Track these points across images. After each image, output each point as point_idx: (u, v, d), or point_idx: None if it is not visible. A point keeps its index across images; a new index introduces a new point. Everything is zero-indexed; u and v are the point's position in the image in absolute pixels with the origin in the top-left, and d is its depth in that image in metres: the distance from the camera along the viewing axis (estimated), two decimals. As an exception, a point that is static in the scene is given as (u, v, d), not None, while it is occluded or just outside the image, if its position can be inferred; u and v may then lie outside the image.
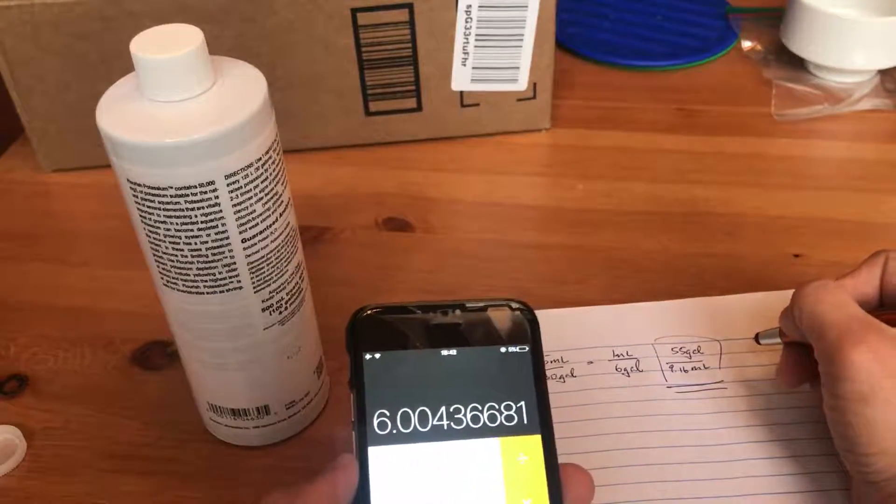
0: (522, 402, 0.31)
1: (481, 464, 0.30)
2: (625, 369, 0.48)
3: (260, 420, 0.45)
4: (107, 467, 0.46)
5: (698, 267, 0.55)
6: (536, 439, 0.31)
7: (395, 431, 0.30)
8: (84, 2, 0.58)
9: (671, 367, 0.48)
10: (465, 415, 0.31)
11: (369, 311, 0.32)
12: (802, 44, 0.71)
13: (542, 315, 0.50)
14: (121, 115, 0.36)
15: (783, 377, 0.43)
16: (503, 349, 0.32)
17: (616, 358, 0.49)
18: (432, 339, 0.32)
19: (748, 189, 0.62)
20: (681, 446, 0.44)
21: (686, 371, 0.48)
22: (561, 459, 0.31)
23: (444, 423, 0.31)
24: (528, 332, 0.33)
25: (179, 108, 0.35)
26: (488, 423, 0.31)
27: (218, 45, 0.59)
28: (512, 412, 0.31)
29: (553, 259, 0.57)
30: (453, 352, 0.32)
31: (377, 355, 0.32)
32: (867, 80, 0.72)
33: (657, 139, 0.67)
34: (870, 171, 0.63)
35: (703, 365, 0.48)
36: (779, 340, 0.44)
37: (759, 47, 0.77)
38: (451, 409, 0.31)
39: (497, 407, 0.31)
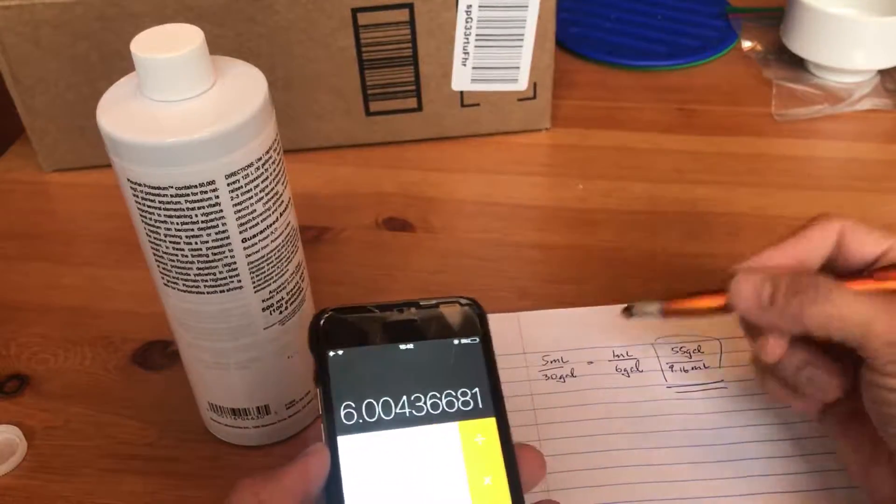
0: (477, 389, 0.34)
1: (443, 446, 0.32)
2: (625, 369, 0.48)
3: (260, 420, 0.45)
4: (107, 467, 0.46)
5: (698, 267, 0.55)
6: (491, 421, 0.33)
7: (361, 421, 0.32)
8: (84, 2, 0.58)
9: (671, 367, 0.48)
10: (425, 402, 0.33)
11: (330, 312, 0.34)
12: (802, 44, 0.71)
13: (543, 315, 0.51)
14: (121, 114, 0.36)
15: (770, 352, 0.39)
16: (456, 341, 0.34)
17: (616, 358, 0.49)
18: (390, 335, 0.34)
19: (748, 189, 0.62)
20: (681, 446, 0.44)
21: (686, 371, 0.48)
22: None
23: (407, 410, 0.33)
24: (477, 325, 0.35)
25: (180, 107, 0.36)
26: (447, 409, 0.33)
27: (218, 45, 0.59)
28: (468, 398, 0.33)
29: (553, 259, 0.57)
30: (410, 346, 0.34)
31: (340, 352, 0.34)
32: (867, 80, 0.72)
33: (657, 139, 0.67)
34: (870, 171, 0.63)
35: (704, 364, 0.48)
36: (657, 307, 0.41)
37: (759, 47, 0.77)
38: (412, 398, 0.33)
39: (454, 394, 0.33)
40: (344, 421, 0.32)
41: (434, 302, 0.35)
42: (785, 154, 0.65)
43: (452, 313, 0.35)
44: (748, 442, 0.44)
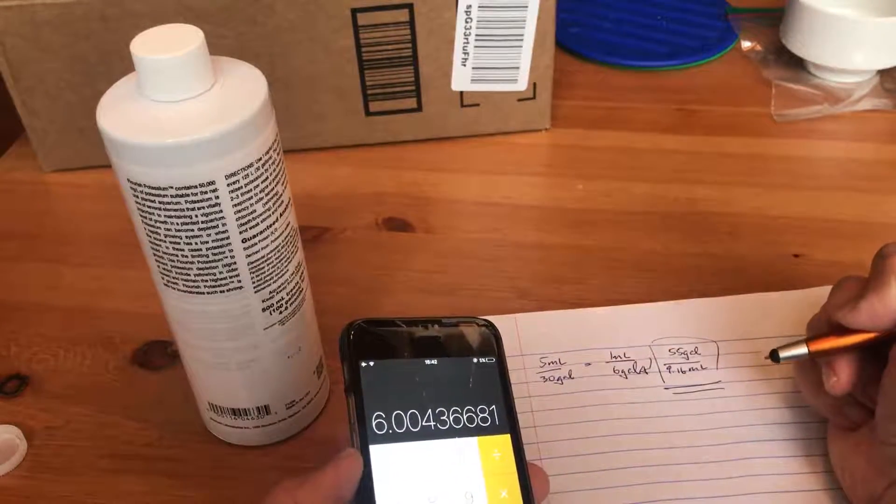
0: (493, 406, 0.35)
1: (464, 459, 0.34)
2: (622, 371, 0.48)
3: (260, 420, 0.45)
4: (107, 467, 0.46)
5: (698, 267, 0.55)
6: (507, 438, 0.35)
7: (391, 431, 0.33)
8: (84, 2, 0.58)
9: (669, 368, 0.48)
10: (448, 416, 0.34)
11: (361, 324, 0.36)
12: (802, 44, 0.71)
13: (541, 317, 0.51)
14: (121, 115, 0.36)
15: (841, 386, 0.40)
16: (475, 359, 0.36)
17: (613, 360, 0.49)
18: (416, 350, 0.36)
19: (748, 189, 0.62)
20: (679, 447, 0.44)
21: (684, 372, 0.48)
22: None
23: (432, 423, 0.34)
24: (494, 345, 0.37)
25: (179, 108, 0.36)
26: (467, 424, 0.34)
27: (218, 45, 0.59)
28: (486, 414, 0.35)
29: (553, 259, 0.57)
30: (434, 361, 0.36)
31: (371, 363, 0.35)
32: (867, 80, 0.72)
33: (657, 139, 0.67)
34: (870, 171, 0.63)
35: (701, 366, 0.48)
36: (805, 350, 0.41)
37: (758, 47, 0.77)
38: (437, 412, 0.34)
39: (473, 410, 0.35)
40: (375, 430, 0.33)
41: (454, 321, 0.37)
42: (784, 154, 0.65)
43: (471, 333, 0.37)
44: (746, 442, 0.44)
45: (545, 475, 0.35)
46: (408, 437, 0.33)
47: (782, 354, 0.41)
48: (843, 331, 0.40)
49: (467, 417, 0.34)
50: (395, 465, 0.33)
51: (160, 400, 0.49)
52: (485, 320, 0.38)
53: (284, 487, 0.32)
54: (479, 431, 0.34)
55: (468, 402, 0.35)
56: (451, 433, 0.34)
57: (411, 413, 0.34)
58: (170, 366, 0.51)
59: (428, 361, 0.35)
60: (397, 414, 0.34)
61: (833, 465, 0.42)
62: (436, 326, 0.36)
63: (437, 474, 0.33)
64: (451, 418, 0.34)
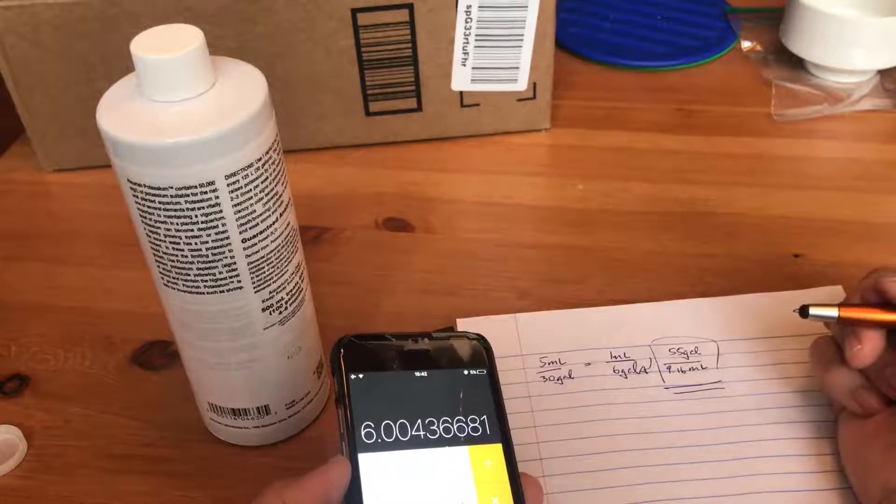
0: (485, 416, 0.36)
1: (455, 468, 0.34)
2: (622, 371, 0.48)
3: (260, 420, 0.45)
4: (107, 467, 0.46)
5: (698, 267, 0.55)
6: (498, 447, 0.35)
7: (379, 440, 0.34)
8: (84, 2, 0.58)
9: (669, 368, 0.48)
10: (438, 426, 0.35)
11: (352, 338, 0.36)
12: (802, 44, 0.71)
13: (541, 317, 0.51)
14: (121, 115, 0.36)
15: (864, 356, 0.39)
16: (465, 371, 0.37)
17: (614, 360, 0.49)
18: (406, 363, 0.36)
19: (748, 189, 0.62)
20: (679, 447, 0.44)
21: (684, 372, 0.48)
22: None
23: (422, 433, 0.34)
24: (485, 357, 0.37)
25: (179, 108, 0.36)
26: (458, 433, 0.35)
27: (218, 45, 0.59)
28: (476, 424, 0.35)
29: (553, 259, 0.57)
30: (424, 373, 0.36)
31: (361, 376, 0.35)
32: (867, 80, 0.72)
33: (657, 139, 0.67)
34: (870, 171, 0.63)
35: (701, 365, 0.48)
36: (835, 312, 0.39)
37: (758, 47, 0.77)
38: (427, 422, 0.35)
39: (464, 420, 0.35)
40: (364, 440, 0.34)
41: (445, 335, 0.38)
42: (784, 154, 0.65)
43: (461, 346, 0.37)
44: (746, 442, 0.44)
45: (538, 483, 0.36)
46: (398, 445, 0.34)
47: (812, 311, 0.40)
48: (879, 307, 0.39)
49: (458, 427, 0.35)
50: (384, 473, 0.33)
51: (160, 400, 0.49)
52: (476, 334, 0.38)
53: (274, 488, 0.32)
54: (469, 441, 0.35)
55: (459, 412, 0.35)
56: (442, 442, 0.34)
57: (401, 423, 0.34)
58: (170, 366, 0.51)
59: (418, 374, 0.36)
60: (387, 424, 0.34)
61: (842, 457, 0.41)
62: (426, 340, 0.37)
63: (427, 482, 0.33)
64: (442, 428, 0.35)
